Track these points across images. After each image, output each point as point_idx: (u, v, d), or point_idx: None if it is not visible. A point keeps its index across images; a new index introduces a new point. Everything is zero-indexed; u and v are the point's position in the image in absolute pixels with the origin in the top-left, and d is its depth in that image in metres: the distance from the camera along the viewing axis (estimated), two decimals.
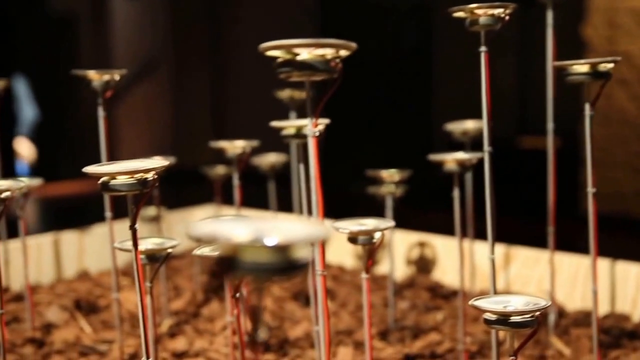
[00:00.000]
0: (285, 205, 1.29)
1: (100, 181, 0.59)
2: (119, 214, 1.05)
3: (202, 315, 1.20)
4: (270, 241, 0.33)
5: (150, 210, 1.36)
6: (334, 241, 1.51)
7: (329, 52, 0.50)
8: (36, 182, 1.09)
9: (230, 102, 2.50)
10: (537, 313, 0.64)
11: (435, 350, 1.03)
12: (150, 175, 0.59)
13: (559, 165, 1.10)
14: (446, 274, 1.38)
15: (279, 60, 0.51)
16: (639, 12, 2.50)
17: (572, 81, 0.82)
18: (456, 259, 1.37)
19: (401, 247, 1.43)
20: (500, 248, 1.31)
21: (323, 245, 0.54)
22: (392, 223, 0.77)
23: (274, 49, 0.50)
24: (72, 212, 1.94)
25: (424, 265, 1.42)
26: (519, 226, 1.25)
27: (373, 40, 2.69)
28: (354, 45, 0.51)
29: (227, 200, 1.28)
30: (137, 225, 0.61)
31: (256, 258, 0.33)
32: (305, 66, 0.50)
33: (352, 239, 0.76)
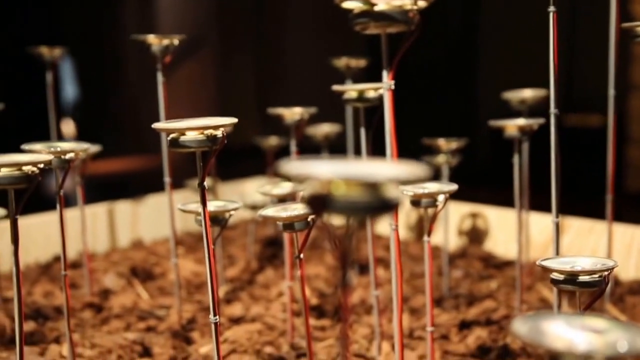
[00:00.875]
0: None
1: (169, 137, 0.60)
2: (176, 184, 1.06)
3: (257, 283, 1.20)
4: (366, 178, 0.33)
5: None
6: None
7: (407, 2, 0.49)
8: (96, 148, 1.11)
9: (279, 74, 2.50)
10: (606, 273, 0.63)
11: (491, 317, 1.03)
12: (219, 132, 0.60)
13: (605, 142, 1.08)
14: (498, 244, 1.38)
15: (355, 11, 0.50)
16: None
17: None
18: (509, 229, 1.36)
19: (454, 217, 1.42)
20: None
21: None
22: (455, 186, 0.76)
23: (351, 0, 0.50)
24: (122, 185, 1.96)
25: (476, 236, 1.41)
26: (571, 199, 1.23)
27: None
28: None
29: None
30: (205, 184, 0.62)
31: (349, 196, 0.33)
32: (383, 16, 0.49)
33: (415, 201, 0.76)
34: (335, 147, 1.35)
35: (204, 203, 0.62)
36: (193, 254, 1.37)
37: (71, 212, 1.30)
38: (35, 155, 0.61)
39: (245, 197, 1.42)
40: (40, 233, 1.31)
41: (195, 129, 0.58)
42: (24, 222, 1.30)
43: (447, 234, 1.21)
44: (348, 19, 0.51)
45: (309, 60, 2.21)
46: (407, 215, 1.49)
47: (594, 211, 1.22)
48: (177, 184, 1.36)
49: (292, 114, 1.02)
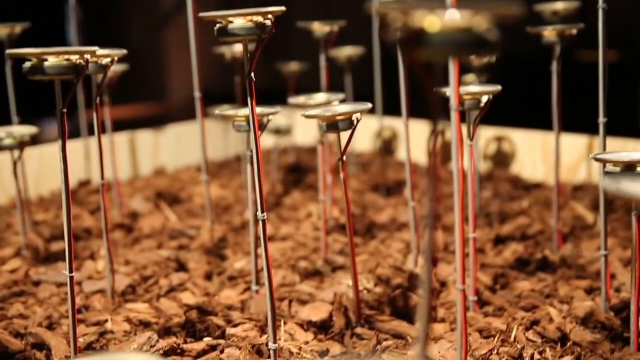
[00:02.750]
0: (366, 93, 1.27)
1: (217, 27, 0.58)
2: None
3: (284, 205, 1.19)
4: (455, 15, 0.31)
5: (225, 108, 1.35)
6: (413, 138, 1.49)
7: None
8: (122, 67, 1.08)
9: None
10: None
11: (526, 232, 1.01)
12: (268, 20, 0.57)
13: (622, 79, 1.06)
14: (525, 167, 1.36)
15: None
16: None
17: None
18: (535, 152, 1.35)
19: (479, 142, 1.40)
20: (582, 139, 1.28)
21: None
22: (498, 87, 0.74)
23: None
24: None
25: (502, 159, 1.39)
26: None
27: None
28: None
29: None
30: (252, 75, 0.60)
31: (444, 33, 0.31)
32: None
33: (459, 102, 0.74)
34: (359, 69, 1.33)
35: (251, 95, 0.60)
36: (217, 179, 1.36)
37: (94, 140, 1.28)
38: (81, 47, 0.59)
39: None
40: None
41: (242, 15, 0.56)
42: (48, 149, 1.29)
43: (475, 152, 1.20)
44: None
45: None
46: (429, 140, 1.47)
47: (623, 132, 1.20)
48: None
49: (322, 27, 1.00)
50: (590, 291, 0.81)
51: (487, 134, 1.41)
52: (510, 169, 1.38)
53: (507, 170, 1.37)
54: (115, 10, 2.05)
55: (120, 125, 1.47)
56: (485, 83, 1.14)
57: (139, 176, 1.41)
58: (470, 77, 1.15)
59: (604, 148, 0.75)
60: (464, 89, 0.74)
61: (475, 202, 1.14)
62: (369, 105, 0.70)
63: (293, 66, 1.44)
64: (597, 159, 0.63)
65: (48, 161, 1.27)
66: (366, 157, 1.52)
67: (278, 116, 1.29)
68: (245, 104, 1.12)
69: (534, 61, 1.20)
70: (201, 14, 0.57)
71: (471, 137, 0.76)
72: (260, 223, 0.63)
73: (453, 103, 0.50)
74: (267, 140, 1.53)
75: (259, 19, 0.57)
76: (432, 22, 0.31)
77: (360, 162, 1.47)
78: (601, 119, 0.75)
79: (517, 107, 1.54)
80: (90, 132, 1.29)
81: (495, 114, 1.42)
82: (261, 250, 0.94)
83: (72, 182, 1.30)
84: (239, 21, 0.57)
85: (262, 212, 0.63)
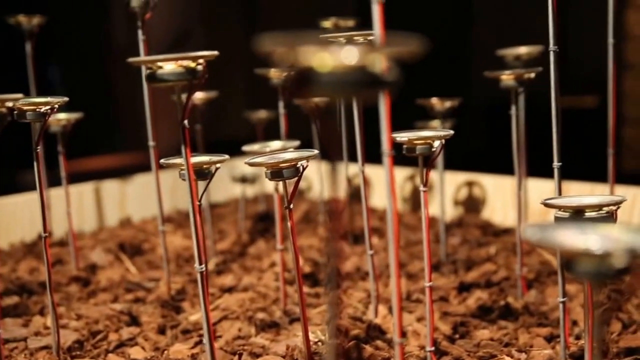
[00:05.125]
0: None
1: (146, 72, 0.56)
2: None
3: (248, 254, 1.17)
4: (349, 54, 0.29)
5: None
6: (380, 185, 1.47)
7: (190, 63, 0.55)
8: (76, 115, 1.07)
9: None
10: (614, 207, 0.59)
11: (491, 279, 0.99)
12: (199, 65, 0.56)
13: (598, 123, 1.05)
14: (495, 213, 1.34)
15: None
16: None
17: None
18: (506, 197, 1.33)
19: (449, 188, 1.39)
20: (551, 184, 1.26)
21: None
22: (450, 132, 0.73)
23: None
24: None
25: (473, 205, 1.38)
26: (571, 163, 1.21)
27: None
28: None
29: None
30: (186, 122, 0.58)
31: (335, 73, 0.29)
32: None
33: (410, 148, 0.72)
34: (324, 116, 1.32)
35: (185, 143, 0.58)
36: (182, 230, 1.33)
37: (56, 191, 1.26)
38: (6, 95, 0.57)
39: (234, 170, 1.39)
40: (25, 213, 1.27)
41: (172, 60, 0.55)
42: (8, 201, 1.26)
43: (443, 201, 1.18)
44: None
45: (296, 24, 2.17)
46: (401, 187, 1.46)
47: (595, 175, 1.19)
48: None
49: (278, 74, 0.99)
50: (550, 339, 0.79)
51: (457, 179, 1.39)
52: (481, 215, 1.36)
53: (478, 216, 1.35)
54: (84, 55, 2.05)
55: (86, 175, 1.45)
56: (450, 129, 1.13)
57: (104, 227, 1.38)
58: (435, 122, 1.14)
59: (559, 193, 0.73)
60: (416, 134, 0.72)
61: (442, 249, 1.13)
62: (315, 152, 0.68)
63: (262, 114, 1.43)
64: (546, 205, 0.61)
65: (6, 214, 1.25)
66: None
67: (243, 165, 1.27)
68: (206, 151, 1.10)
69: (503, 106, 1.19)
70: (130, 60, 0.56)
71: (424, 183, 0.74)
72: (198, 275, 0.61)
73: (385, 148, 0.49)
74: (236, 189, 1.51)
75: (190, 64, 0.55)
76: (322, 60, 0.29)
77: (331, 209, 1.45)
78: (555, 164, 0.74)
79: (487, 151, 1.53)
80: (51, 184, 1.27)
81: (465, 158, 1.42)
82: (216, 304, 0.92)
83: (33, 235, 1.27)
84: (169, 66, 0.55)
85: (200, 264, 0.61)
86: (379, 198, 1.46)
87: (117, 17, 1.96)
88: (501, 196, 1.34)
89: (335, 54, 0.29)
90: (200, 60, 0.56)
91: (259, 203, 1.50)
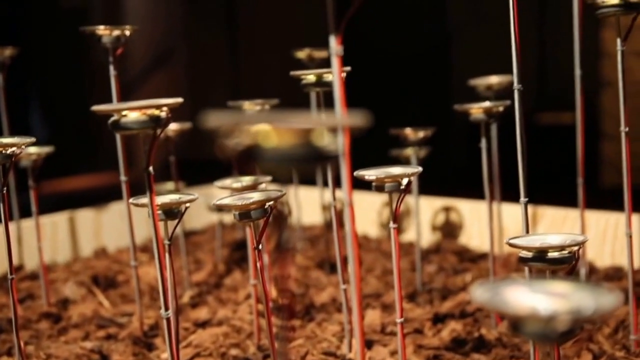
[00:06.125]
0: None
1: (110, 120, 0.56)
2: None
3: (224, 286, 1.16)
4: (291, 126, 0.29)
5: (169, 185, 1.32)
6: (358, 211, 1.47)
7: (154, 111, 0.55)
8: (47, 149, 1.06)
9: (247, 74, 2.47)
10: (575, 248, 0.60)
11: (466, 309, 0.99)
12: (163, 113, 0.56)
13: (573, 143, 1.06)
14: (472, 238, 1.34)
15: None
16: None
17: (603, 14, 0.78)
18: (483, 222, 1.33)
19: (426, 213, 1.39)
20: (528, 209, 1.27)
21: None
22: (419, 169, 0.73)
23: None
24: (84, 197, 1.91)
25: (450, 230, 1.38)
26: (544, 188, 1.21)
27: None
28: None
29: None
30: (151, 169, 0.58)
31: (280, 146, 0.29)
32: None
33: (379, 186, 0.72)
34: None
35: (150, 190, 0.58)
36: None
37: (28, 222, 1.25)
38: None
39: (210, 199, 1.38)
40: None
41: (136, 109, 0.54)
42: None
43: (419, 227, 1.18)
44: None
45: (271, 53, 2.17)
46: (379, 213, 1.46)
47: (567, 202, 1.20)
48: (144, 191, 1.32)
49: (253, 105, 0.99)
50: None
51: (434, 204, 1.40)
52: (458, 240, 1.36)
53: (455, 241, 1.35)
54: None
55: (60, 204, 1.44)
56: (424, 157, 1.14)
57: (79, 257, 1.37)
58: (409, 150, 1.14)
59: (527, 231, 0.73)
60: (384, 171, 0.72)
61: (418, 278, 1.12)
62: (284, 192, 0.68)
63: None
64: (510, 245, 0.61)
65: None
66: (316, 231, 1.49)
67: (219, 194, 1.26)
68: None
69: (479, 131, 1.20)
70: (93, 108, 0.55)
71: (394, 219, 0.74)
72: (165, 322, 0.60)
73: (346, 199, 0.48)
74: (213, 216, 1.50)
75: (154, 112, 0.55)
76: (267, 136, 0.29)
77: (310, 236, 1.44)
78: (522, 200, 0.74)
79: (464, 177, 1.53)
80: (22, 215, 1.26)
81: (442, 184, 1.42)
82: (188, 340, 0.92)
83: (3, 269, 1.26)
84: (133, 114, 0.55)
85: (167, 309, 0.60)
86: (358, 223, 1.46)
87: (91, 47, 1.96)
88: (477, 221, 1.35)
89: (279, 131, 0.29)
90: (164, 108, 0.55)
91: (236, 230, 1.50)
